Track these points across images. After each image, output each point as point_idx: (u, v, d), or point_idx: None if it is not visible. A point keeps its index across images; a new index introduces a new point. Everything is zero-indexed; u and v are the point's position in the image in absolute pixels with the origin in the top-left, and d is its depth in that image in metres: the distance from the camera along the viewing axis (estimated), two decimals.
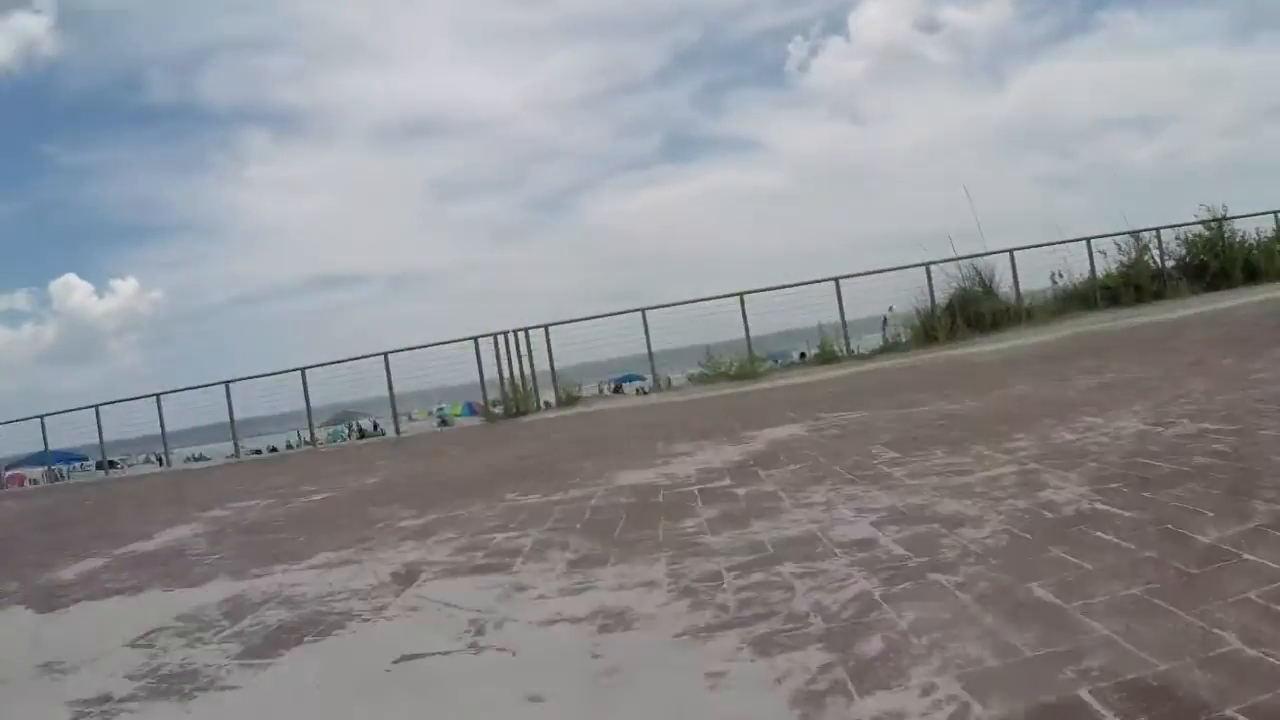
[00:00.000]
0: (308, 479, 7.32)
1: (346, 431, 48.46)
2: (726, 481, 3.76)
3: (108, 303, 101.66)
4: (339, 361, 15.63)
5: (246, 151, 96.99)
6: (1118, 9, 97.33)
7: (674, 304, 13.54)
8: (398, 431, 14.69)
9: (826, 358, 13.59)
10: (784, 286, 13.73)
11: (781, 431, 5.36)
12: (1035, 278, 15.08)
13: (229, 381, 16.20)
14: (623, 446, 5.97)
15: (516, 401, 13.22)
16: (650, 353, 13.50)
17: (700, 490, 3.63)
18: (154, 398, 17.36)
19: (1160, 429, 3.74)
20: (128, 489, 9.84)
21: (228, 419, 16.58)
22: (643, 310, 13.25)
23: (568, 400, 13.37)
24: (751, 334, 13.65)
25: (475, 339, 13.87)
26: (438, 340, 14.40)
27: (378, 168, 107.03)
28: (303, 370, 15.64)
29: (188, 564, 3.76)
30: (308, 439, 19.37)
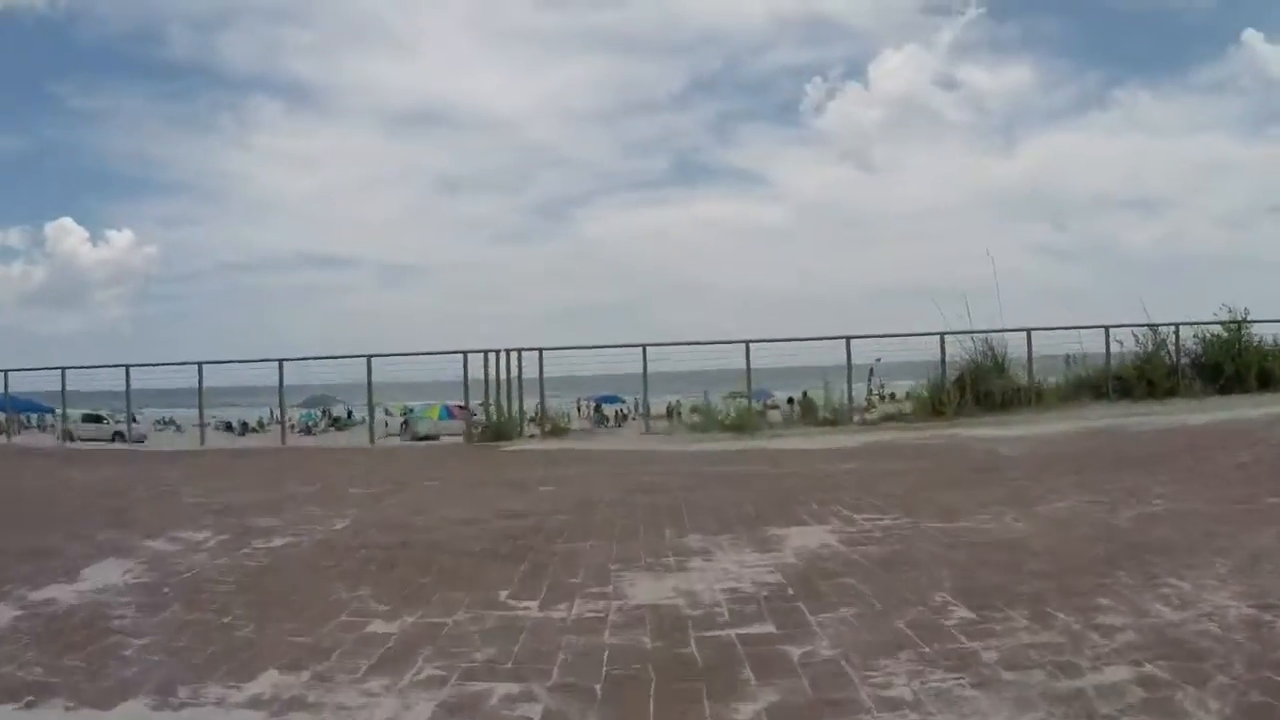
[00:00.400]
0: (270, 503, 6.61)
1: (320, 415, 47.41)
2: (770, 627, 3.12)
3: (101, 252, 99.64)
4: (320, 358, 15.00)
5: (256, 119, 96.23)
6: (1135, 88, 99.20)
7: (678, 344, 13.03)
8: (372, 439, 13.94)
9: (828, 418, 13.05)
10: (793, 340, 13.26)
11: (810, 536, 4.74)
12: (1041, 349, 14.74)
13: (202, 363, 15.46)
14: (624, 523, 5.33)
15: (500, 426, 12.57)
16: (645, 389, 12.89)
17: (739, 638, 3.00)
18: (123, 368, 16.69)
19: (1270, 619, 3.16)
20: (77, 477, 9.02)
21: (204, 389, 15.95)
22: (643, 346, 12.68)
23: (554, 431, 12.73)
24: (739, 365, 13.16)
25: (465, 354, 13.27)
26: (426, 350, 13.85)
27: (382, 153, 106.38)
28: (280, 361, 14.97)
29: (104, 651, 3.07)
30: (280, 418, 18.98)
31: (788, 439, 11.41)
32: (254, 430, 43.11)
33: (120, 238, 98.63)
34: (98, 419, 35.12)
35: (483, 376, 13.18)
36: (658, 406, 15.96)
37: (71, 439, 28.72)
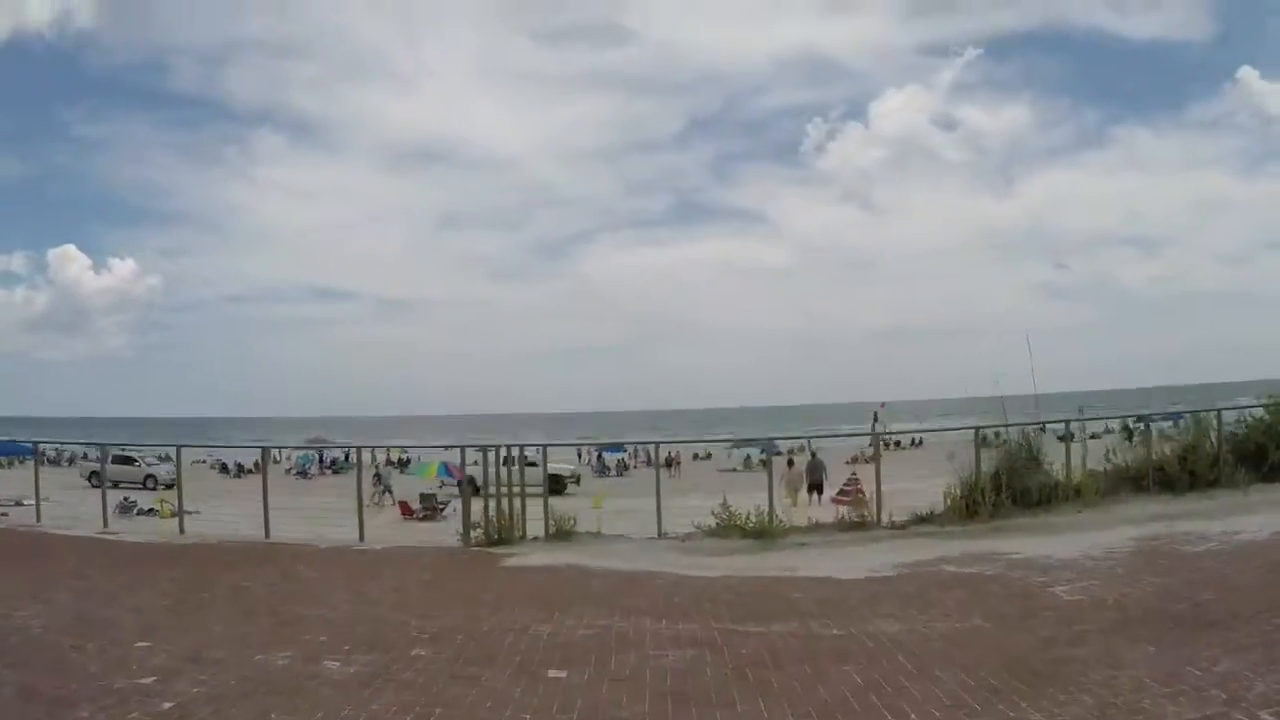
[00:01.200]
0: (226, 700, 5.62)
1: (316, 458, 46.19)
2: None
3: (104, 280, 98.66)
4: (307, 447, 14.46)
5: (260, 151, 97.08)
6: (1134, 126, 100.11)
7: (694, 441, 12.17)
8: (361, 535, 12.96)
9: (856, 521, 12.14)
10: (824, 436, 12.53)
11: None
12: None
13: (180, 446, 14.76)
14: None
15: (500, 529, 11.68)
16: (659, 498, 11.98)
17: None
18: (99, 447, 16.17)
19: None
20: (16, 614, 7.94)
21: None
22: (656, 444, 11.88)
23: (559, 534, 11.83)
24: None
25: (462, 448, 12.58)
26: (422, 444, 13.16)
27: (384, 188, 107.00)
28: (264, 449, 14.28)
29: None
30: (275, 459, 18.10)
31: (813, 553, 10.54)
32: (249, 472, 42.02)
33: (123, 266, 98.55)
34: (129, 460, 34.13)
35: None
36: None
37: (101, 482, 27.75)
